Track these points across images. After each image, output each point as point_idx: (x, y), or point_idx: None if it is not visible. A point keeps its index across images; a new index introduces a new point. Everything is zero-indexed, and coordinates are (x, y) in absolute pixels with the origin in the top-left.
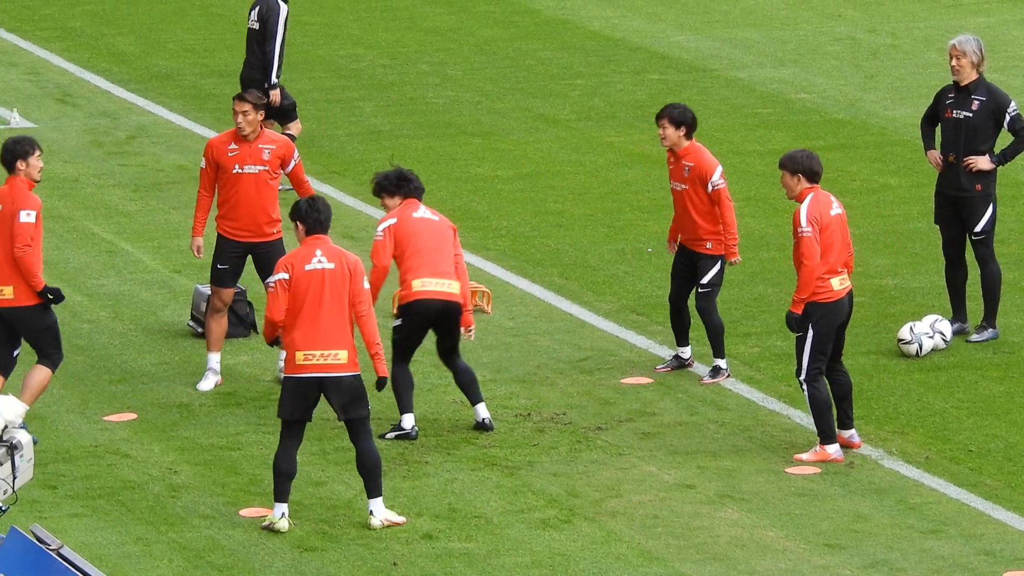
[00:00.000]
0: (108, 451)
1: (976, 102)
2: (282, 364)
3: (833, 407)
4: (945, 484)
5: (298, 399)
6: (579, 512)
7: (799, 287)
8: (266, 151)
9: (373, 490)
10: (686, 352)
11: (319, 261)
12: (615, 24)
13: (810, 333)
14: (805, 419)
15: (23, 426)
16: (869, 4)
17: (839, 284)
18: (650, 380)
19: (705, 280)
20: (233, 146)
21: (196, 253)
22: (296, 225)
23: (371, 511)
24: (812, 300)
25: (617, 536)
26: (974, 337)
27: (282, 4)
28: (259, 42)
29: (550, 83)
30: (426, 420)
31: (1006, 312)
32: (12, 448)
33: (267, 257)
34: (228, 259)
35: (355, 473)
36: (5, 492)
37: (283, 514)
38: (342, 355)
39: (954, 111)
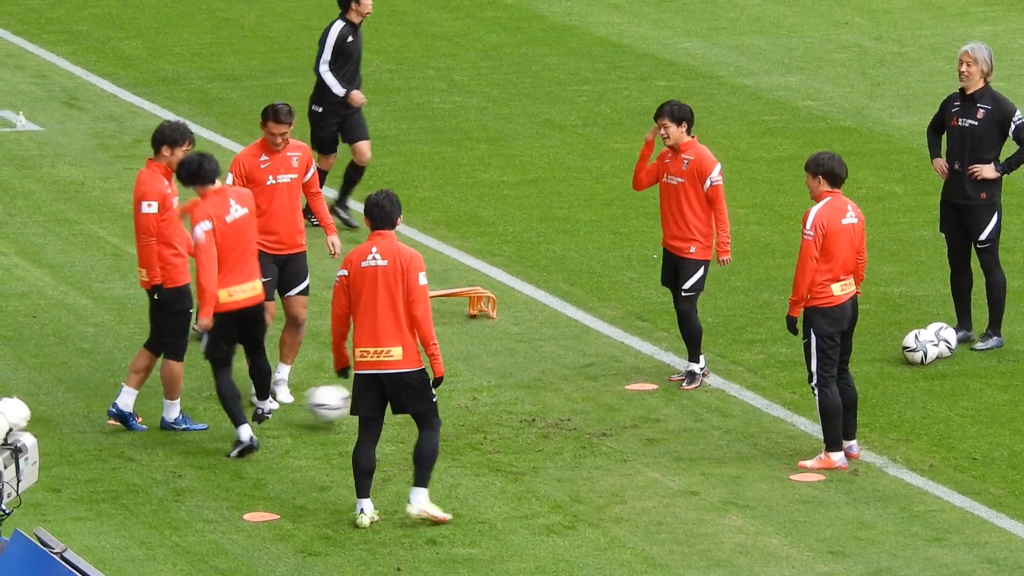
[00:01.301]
0: (112, 455)
1: (982, 111)
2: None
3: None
4: (949, 492)
5: (361, 395)
6: (583, 518)
7: (792, 289)
8: (294, 158)
9: (419, 480)
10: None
11: (373, 258)
12: (622, 30)
13: (812, 339)
14: (810, 426)
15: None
16: (876, 12)
17: (840, 290)
18: (655, 386)
19: (688, 285)
20: (264, 158)
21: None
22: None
23: (410, 499)
24: (812, 305)
25: (621, 542)
26: (979, 345)
27: (337, 24)
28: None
29: (556, 89)
30: None
31: (1011, 320)
32: (16, 451)
33: (295, 268)
34: (270, 271)
35: None
36: (9, 495)
37: (361, 510)
38: (395, 352)
39: (959, 119)
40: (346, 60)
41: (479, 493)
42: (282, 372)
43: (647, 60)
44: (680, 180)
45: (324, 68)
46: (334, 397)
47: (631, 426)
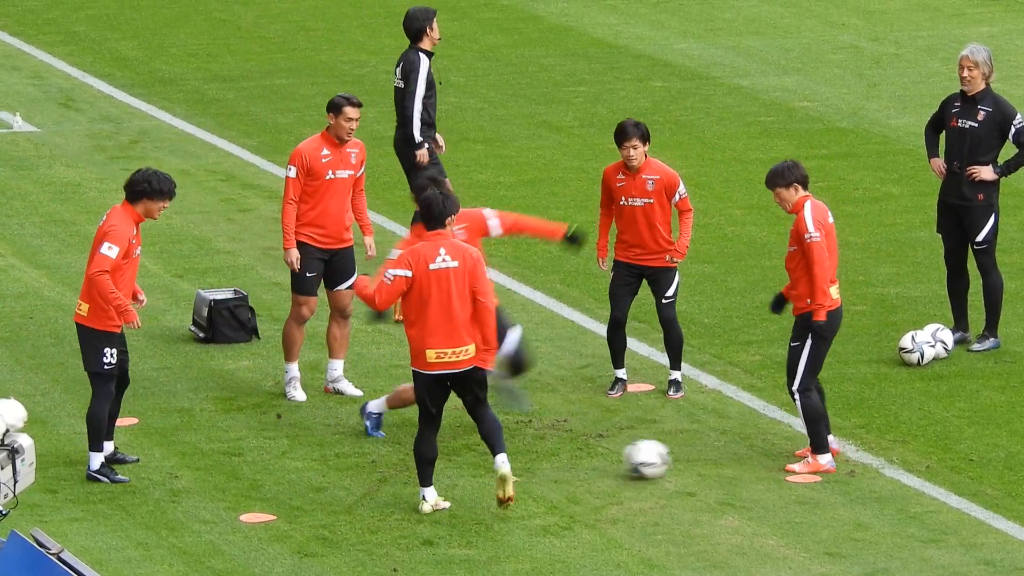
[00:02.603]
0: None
1: (982, 112)
2: (290, 390)
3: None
4: (946, 493)
5: (430, 393)
6: (579, 519)
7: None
8: (352, 155)
9: (496, 448)
10: (623, 372)
11: (443, 260)
12: (618, 31)
13: (808, 343)
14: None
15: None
16: (872, 13)
17: (836, 293)
18: (651, 387)
19: (670, 292)
20: (326, 152)
21: (295, 264)
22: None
23: (497, 464)
24: (809, 310)
25: (617, 543)
26: (976, 346)
27: (423, 57)
28: (402, 101)
29: (553, 90)
30: None
31: (1007, 322)
32: (13, 452)
33: (344, 263)
34: (316, 266)
35: (355, 479)
36: (6, 496)
37: (424, 497)
38: (471, 349)
39: (959, 120)
40: (432, 92)
41: (475, 494)
42: (337, 368)
43: (643, 61)
44: (648, 200)
45: (419, 107)
46: (653, 454)
47: (627, 427)
